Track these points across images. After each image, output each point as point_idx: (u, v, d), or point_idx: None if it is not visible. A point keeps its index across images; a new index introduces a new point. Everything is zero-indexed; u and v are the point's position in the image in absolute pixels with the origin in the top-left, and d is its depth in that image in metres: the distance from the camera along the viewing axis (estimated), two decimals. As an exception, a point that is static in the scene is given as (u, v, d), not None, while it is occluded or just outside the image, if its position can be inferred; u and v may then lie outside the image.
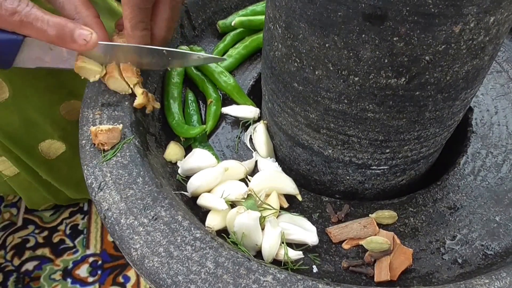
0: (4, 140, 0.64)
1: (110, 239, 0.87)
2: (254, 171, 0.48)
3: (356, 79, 0.36)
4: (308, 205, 0.45)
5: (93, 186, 0.40)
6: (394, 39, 0.33)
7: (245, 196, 0.43)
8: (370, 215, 0.43)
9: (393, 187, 0.47)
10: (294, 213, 0.43)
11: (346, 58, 0.35)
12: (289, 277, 0.33)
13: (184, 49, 0.56)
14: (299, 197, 0.45)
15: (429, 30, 0.32)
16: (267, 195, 0.44)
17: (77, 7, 0.45)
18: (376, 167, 0.44)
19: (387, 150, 0.42)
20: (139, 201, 0.38)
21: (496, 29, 0.34)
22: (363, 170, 0.44)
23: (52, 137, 0.67)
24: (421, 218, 0.43)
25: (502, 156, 0.47)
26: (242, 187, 0.44)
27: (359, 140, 0.41)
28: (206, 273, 0.34)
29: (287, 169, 0.49)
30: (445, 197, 0.44)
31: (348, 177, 0.45)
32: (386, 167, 0.44)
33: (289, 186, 0.45)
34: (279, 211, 0.43)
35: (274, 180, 0.45)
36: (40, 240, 0.86)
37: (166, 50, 0.47)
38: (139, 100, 0.46)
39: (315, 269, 0.40)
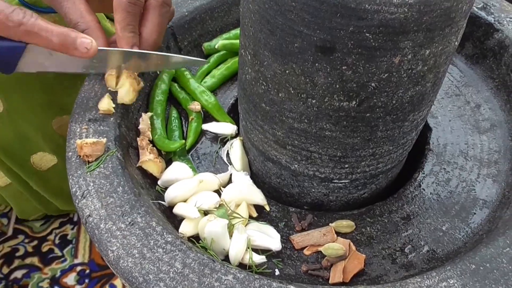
0: None
1: (98, 249, 0.91)
2: (229, 183, 0.52)
3: (314, 101, 0.41)
4: (275, 215, 0.49)
5: (77, 194, 0.44)
6: (343, 67, 0.38)
7: (217, 206, 0.47)
8: (330, 224, 0.47)
9: (356, 199, 0.51)
10: (262, 222, 0.48)
11: (304, 83, 0.40)
12: (247, 276, 0.37)
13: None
14: (267, 207, 0.49)
15: (372, 61, 0.37)
16: (238, 205, 0.48)
17: (82, 13, 0.50)
18: (337, 181, 0.48)
19: (346, 165, 0.46)
20: (118, 208, 0.42)
21: (433, 60, 0.38)
22: (326, 183, 0.48)
23: (44, 150, 0.71)
24: (377, 227, 0.47)
25: (453, 172, 0.51)
26: (215, 198, 0.48)
27: (320, 155, 0.45)
28: (174, 273, 0.38)
29: (261, 182, 0.54)
30: (399, 209, 0.49)
31: (313, 190, 0.50)
32: (347, 181, 0.48)
33: (258, 197, 0.49)
34: (248, 220, 0.48)
35: (244, 191, 0.49)
36: (30, 249, 0.89)
37: (151, 53, 0.52)
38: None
39: (277, 272, 0.44)
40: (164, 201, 0.49)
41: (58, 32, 0.47)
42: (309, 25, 0.36)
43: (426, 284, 0.36)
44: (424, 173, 0.52)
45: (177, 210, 0.47)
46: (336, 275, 0.42)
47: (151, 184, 0.51)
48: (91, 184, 0.44)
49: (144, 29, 0.52)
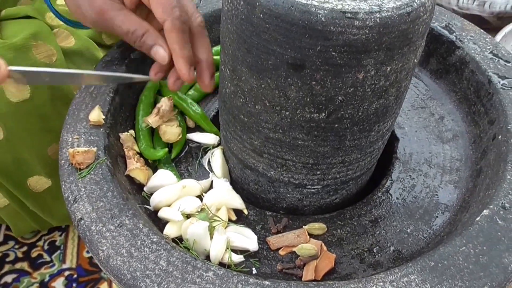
0: None
1: (85, 255, 0.93)
2: (210, 189, 0.55)
3: (287, 113, 0.45)
4: (253, 218, 0.53)
5: (69, 199, 0.47)
6: (313, 83, 0.42)
7: (199, 210, 0.51)
8: (303, 226, 0.51)
9: (328, 204, 0.55)
10: (240, 225, 0.51)
11: (278, 97, 0.44)
12: (226, 272, 0.41)
13: None
14: (245, 211, 0.53)
15: (339, 77, 0.41)
16: (218, 209, 0.52)
17: (137, 20, 0.54)
18: (310, 187, 0.52)
19: (318, 172, 0.50)
20: (107, 212, 0.46)
21: (394, 76, 0.43)
22: (300, 189, 0.52)
23: (40, 173, 0.74)
24: (347, 229, 0.51)
25: (418, 179, 0.55)
26: (197, 202, 0.51)
27: (294, 163, 0.49)
28: (160, 270, 0.41)
29: (240, 188, 0.57)
30: (368, 213, 0.53)
31: (288, 195, 0.54)
32: (319, 187, 0.52)
33: (237, 202, 0.53)
34: (228, 223, 0.51)
35: (224, 196, 0.53)
36: (19, 255, 0.91)
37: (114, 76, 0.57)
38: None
39: (254, 271, 0.48)
40: (149, 205, 0.52)
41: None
42: (281, 44, 0.41)
43: (389, 280, 0.40)
44: (391, 180, 0.56)
45: (162, 213, 0.51)
46: (308, 273, 0.46)
47: (137, 190, 0.54)
48: (83, 189, 0.48)
49: (200, 49, 0.55)
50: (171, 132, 0.58)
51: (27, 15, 0.68)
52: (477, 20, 1.12)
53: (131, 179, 0.54)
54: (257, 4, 0.40)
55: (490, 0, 1.08)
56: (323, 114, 0.44)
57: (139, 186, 0.55)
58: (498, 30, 0.99)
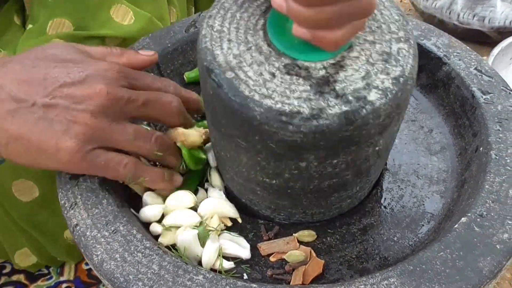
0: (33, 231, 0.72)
1: (84, 267, 0.94)
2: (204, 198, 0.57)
3: (244, 170, 0.48)
4: (246, 226, 0.54)
5: (65, 205, 0.49)
6: (258, 158, 0.45)
7: (198, 224, 0.52)
8: (293, 234, 0.52)
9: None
10: (234, 232, 0.53)
11: (235, 157, 0.48)
12: (215, 276, 0.42)
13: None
14: (239, 220, 0.54)
15: (280, 161, 0.44)
16: (211, 217, 0.53)
17: None
18: (279, 220, 0.54)
19: (282, 214, 0.53)
20: (102, 218, 0.47)
21: (344, 165, 0.45)
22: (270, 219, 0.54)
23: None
24: (336, 237, 0.53)
25: (406, 189, 0.57)
26: (193, 216, 0.53)
27: (258, 202, 0.52)
28: (152, 273, 0.43)
29: (233, 198, 0.59)
30: (357, 221, 0.54)
31: (262, 210, 0.55)
32: (287, 222, 0.54)
33: (231, 211, 0.54)
34: (222, 231, 0.53)
35: (219, 206, 0.55)
36: (16, 267, 0.92)
37: None
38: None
39: (245, 277, 0.49)
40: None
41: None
42: (233, 127, 0.44)
43: (370, 283, 0.41)
44: (381, 190, 0.58)
45: (152, 228, 0.52)
46: (296, 278, 0.47)
47: (134, 196, 0.56)
48: (79, 196, 0.49)
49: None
50: (192, 134, 0.54)
51: None
52: (478, 34, 1.14)
53: (126, 187, 0.56)
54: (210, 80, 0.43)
55: (490, 15, 1.11)
56: (274, 181, 0.47)
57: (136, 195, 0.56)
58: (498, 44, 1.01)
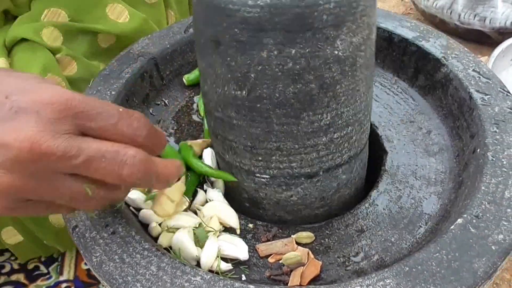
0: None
1: (83, 266, 0.95)
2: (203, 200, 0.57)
3: (219, 90, 0.48)
4: (245, 228, 0.55)
5: (65, 207, 0.49)
6: (228, 58, 0.46)
7: (197, 226, 0.52)
8: (292, 235, 0.53)
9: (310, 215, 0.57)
10: (233, 234, 0.53)
11: (212, 74, 0.48)
12: (213, 277, 0.42)
13: None
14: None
15: (246, 53, 0.45)
16: (211, 218, 0.54)
17: None
18: (259, 175, 0.53)
19: (260, 158, 0.51)
20: (101, 220, 0.48)
21: (304, 60, 0.44)
22: (252, 176, 0.54)
23: None
24: (334, 238, 0.53)
25: (404, 190, 0.57)
26: (193, 218, 0.53)
27: (237, 145, 0.51)
28: (150, 275, 0.43)
29: (231, 199, 0.59)
30: (355, 222, 0.55)
31: (245, 184, 0.55)
32: (267, 176, 0.53)
33: (232, 220, 0.54)
34: (221, 232, 0.53)
35: (220, 209, 0.55)
36: (15, 267, 0.92)
37: None
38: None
39: (243, 278, 0.49)
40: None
41: None
42: (206, 22, 0.46)
43: (366, 284, 0.41)
44: (378, 191, 0.58)
45: (151, 229, 0.53)
46: (294, 279, 0.48)
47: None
48: (78, 198, 0.49)
49: None
50: (165, 202, 0.51)
51: (23, 37, 0.67)
52: (479, 34, 1.15)
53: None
54: None
55: (491, 16, 1.11)
56: (244, 92, 0.47)
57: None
58: (499, 45, 1.02)
